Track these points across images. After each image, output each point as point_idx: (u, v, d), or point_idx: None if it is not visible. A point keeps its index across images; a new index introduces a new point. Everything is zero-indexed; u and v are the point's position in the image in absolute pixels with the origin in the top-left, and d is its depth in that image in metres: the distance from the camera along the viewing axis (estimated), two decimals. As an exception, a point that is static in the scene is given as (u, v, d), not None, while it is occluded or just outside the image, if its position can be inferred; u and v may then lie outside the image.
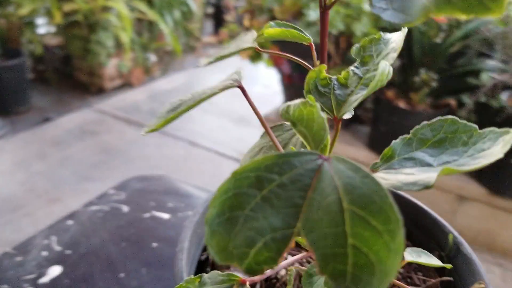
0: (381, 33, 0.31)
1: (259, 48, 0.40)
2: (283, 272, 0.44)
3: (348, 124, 1.88)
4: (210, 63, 0.37)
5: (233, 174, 0.22)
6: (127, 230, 0.69)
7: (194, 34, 3.38)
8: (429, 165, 0.27)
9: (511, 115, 1.31)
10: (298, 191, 0.22)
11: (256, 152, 0.34)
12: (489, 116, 1.40)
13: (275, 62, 1.97)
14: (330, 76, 0.31)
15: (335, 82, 0.30)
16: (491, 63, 1.49)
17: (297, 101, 0.26)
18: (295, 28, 0.39)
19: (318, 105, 0.25)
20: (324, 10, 0.35)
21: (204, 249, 0.44)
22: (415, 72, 1.59)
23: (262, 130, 0.34)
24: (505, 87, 1.41)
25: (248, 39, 0.42)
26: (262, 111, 2.13)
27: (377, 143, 1.72)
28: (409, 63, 1.65)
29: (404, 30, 0.30)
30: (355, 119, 1.91)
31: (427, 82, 1.55)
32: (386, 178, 0.26)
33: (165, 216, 0.77)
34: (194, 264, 0.41)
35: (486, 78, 1.41)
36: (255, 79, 2.92)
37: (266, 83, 2.80)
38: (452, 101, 1.60)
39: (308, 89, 0.30)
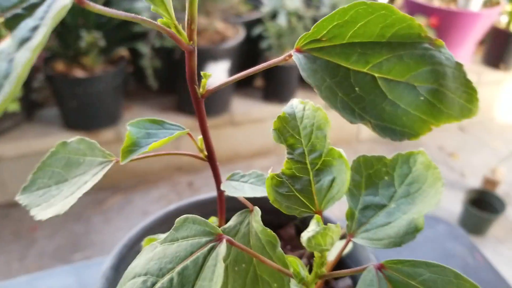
0: (283, 110, 0.32)
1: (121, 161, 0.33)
2: None
3: (31, 114, 1.62)
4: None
5: None
6: None
7: None
8: (384, 205, 0.32)
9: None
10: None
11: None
12: (170, 57, 1.52)
13: None
14: (276, 174, 0.30)
15: (285, 177, 0.30)
16: (141, 5, 1.56)
17: (315, 229, 0.25)
18: (170, 124, 0.34)
19: (339, 225, 0.25)
20: (199, 99, 0.32)
21: None
22: (76, 37, 1.49)
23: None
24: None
25: (92, 153, 0.33)
26: None
27: (76, 121, 1.59)
28: (64, 29, 1.51)
29: (302, 105, 0.32)
30: (34, 106, 1.67)
31: (95, 43, 1.49)
32: (379, 237, 0.30)
33: None
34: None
35: (148, 23, 1.47)
36: None
37: None
38: (125, 52, 1.62)
39: (273, 199, 0.29)
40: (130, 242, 0.48)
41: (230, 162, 1.81)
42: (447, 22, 1.92)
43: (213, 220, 0.40)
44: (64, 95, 1.54)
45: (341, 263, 0.44)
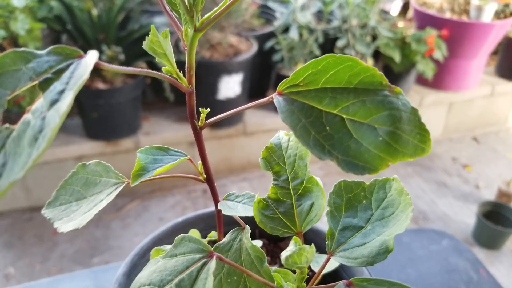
0: (271, 141, 0.36)
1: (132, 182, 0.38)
2: None
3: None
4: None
5: None
6: None
7: None
8: (361, 227, 0.36)
9: (204, 62, 1.53)
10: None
11: (217, 284, 0.35)
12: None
13: None
14: (262, 198, 0.35)
15: (271, 201, 0.34)
16: (159, 19, 1.63)
17: (292, 249, 0.30)
18: (174, 150, 0.39)
19: (313, 246, 0.30)
20: (198, 131, 0.36)
21: None
22: (97, 51, 1.57)
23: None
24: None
25: (107, 175, 0.38)
26: None
27: (97, 131, 1.67)
28: (85, 44, 1.60)
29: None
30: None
31: (115, 57, 1.56)
32: (355, 256, 0.34)
33: None
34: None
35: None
36: None
37: None
38: (143, 66, 1.70)
39: (259, 220, 0.33)
40: (141, 251, 0.53)
41: (243, 170, 1.87)
42: (459, 34, 1.93)
43: (213, 234, 0.44)
44: (86, 105, 1.62)
45: (337, 278, 0.47)
